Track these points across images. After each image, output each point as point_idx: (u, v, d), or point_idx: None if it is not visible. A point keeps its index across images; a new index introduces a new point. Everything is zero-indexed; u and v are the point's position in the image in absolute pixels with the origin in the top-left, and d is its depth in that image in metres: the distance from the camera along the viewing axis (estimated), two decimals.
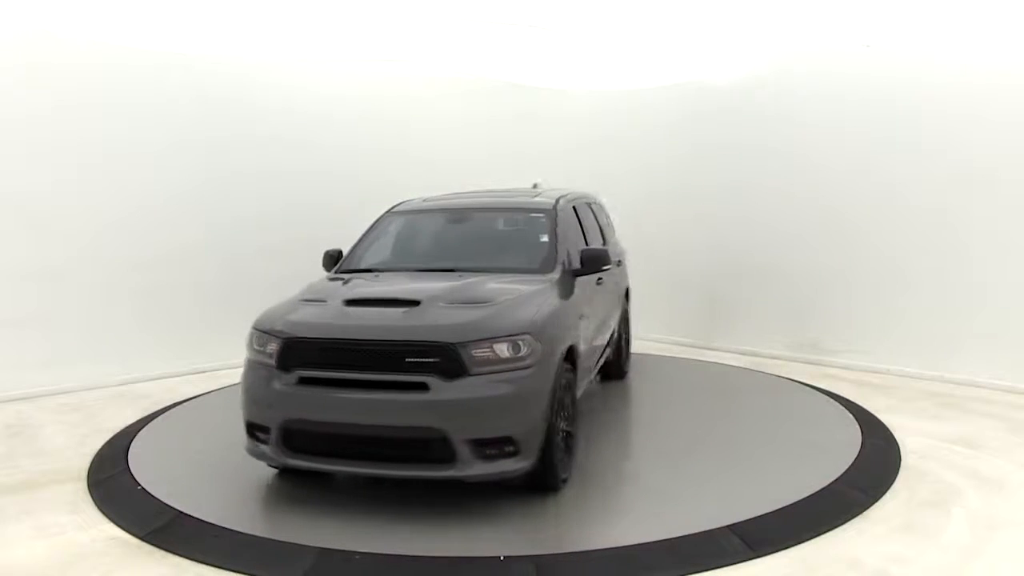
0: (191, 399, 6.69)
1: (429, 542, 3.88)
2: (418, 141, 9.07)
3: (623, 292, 7.14)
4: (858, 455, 4.97)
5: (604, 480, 4.74)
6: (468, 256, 5.52)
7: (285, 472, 4.69)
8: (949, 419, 5.84)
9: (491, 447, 4.03)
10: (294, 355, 4.25)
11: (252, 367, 4.44)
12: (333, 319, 4.42)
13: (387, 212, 6.16)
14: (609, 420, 6.03)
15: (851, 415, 5.88)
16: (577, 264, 5.30)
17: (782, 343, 8.03)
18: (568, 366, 4.64)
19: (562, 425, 4.49)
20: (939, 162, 6.88)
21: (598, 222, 6.71)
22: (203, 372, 7.47)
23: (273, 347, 4.31)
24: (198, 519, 4.16)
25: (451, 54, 9.31)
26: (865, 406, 6.10)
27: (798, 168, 7.86)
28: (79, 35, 7.02)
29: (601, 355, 6.20)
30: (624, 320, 7.17)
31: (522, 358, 4.13)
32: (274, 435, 4.25)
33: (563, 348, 4.51)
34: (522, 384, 4.10)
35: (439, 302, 4.42)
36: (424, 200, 6.24)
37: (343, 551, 3.76)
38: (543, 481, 4.37)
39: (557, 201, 5.76)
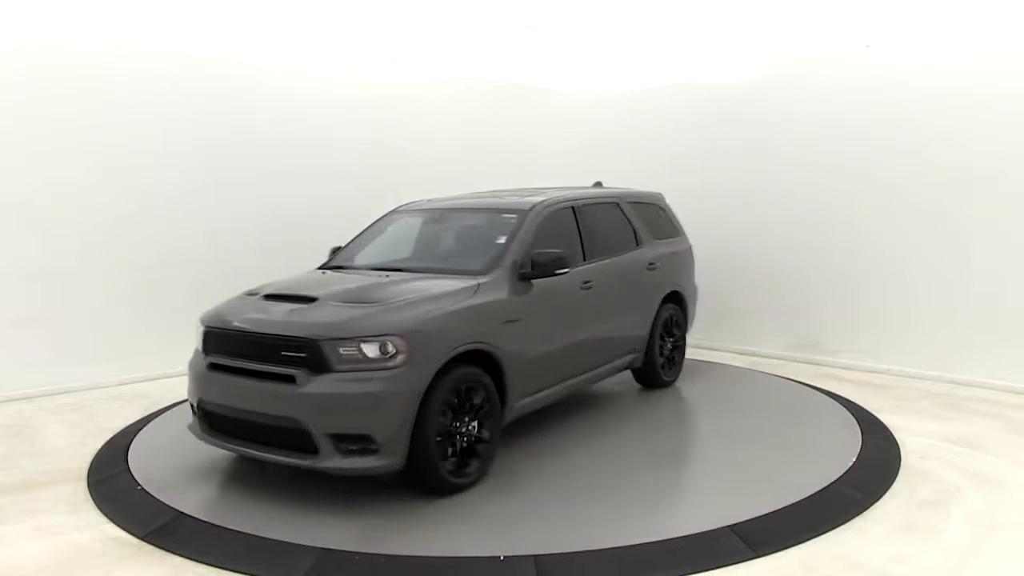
0: None
1: (429, 542, 3.89)
2: (419, 141, 9.05)
3: (659, 297, 6.67)
4: (858, 455, 4.98)
5: (603, 480, 4.73)
6: (424, 256, 5.77)
7: (284, 471, 4.71)
8: (949, 419, 5.84)
9: (350, 443, 4.14)
10: (208, 342, 4.74)
11: (194, 353, 4.91)
12: (243, 311, 4.76)
13: (389, 212, 6.28)
14: (608, 420, 6.02)
15: (851, 415, 5.88)
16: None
17: (782, 343, 8.02)
18: (478, 371, 4.57)
19: (466, 429, 4.52)
20: (939, 162, 6.88)
21: (631, 225, 6.54)
22: None
23: (202, 334, 4.81)
24: (198, 519, 4.17)
25: (452, 54, 9.33)
26: (865, 406, 6.11)
27: (798, 168, 7.85)
28: (79, 35, 7.02)
29: (605, 360, 6.06)
30: (667, 325, 6.81)
31: (390, 358, 4.18)
32: (197, 413, 4.78)
33: (455, 351, 4.41)
34: (386, 384, 4.13)
35: (333, 300, 4.61)
36: (429, 200, 6.30)
37: (343, 551, 3.76)
38: (421, 483, 4.37)
39: (539, 202, 5.60)
